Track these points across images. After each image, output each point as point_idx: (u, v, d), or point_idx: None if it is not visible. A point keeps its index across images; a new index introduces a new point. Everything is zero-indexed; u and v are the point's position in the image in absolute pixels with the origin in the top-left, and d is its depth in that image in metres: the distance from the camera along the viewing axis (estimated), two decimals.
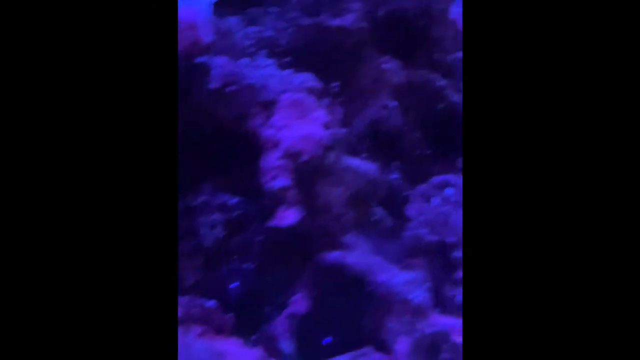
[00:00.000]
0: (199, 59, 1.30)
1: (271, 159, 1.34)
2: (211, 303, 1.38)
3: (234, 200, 1.42)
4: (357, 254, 1.37)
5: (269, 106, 1.35)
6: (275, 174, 1.34)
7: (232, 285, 1.42)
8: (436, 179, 1.45)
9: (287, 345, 1.36)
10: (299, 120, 1.34)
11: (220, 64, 1.33)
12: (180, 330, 1.25)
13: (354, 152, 1.46)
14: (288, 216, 1.34)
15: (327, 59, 1.46)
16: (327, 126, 1.35)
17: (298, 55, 1.45)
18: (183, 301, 1.36)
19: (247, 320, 1.41)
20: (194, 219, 1.42)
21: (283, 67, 1.43)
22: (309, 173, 1.35)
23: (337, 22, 1.45)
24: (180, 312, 1.31)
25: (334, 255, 1.37)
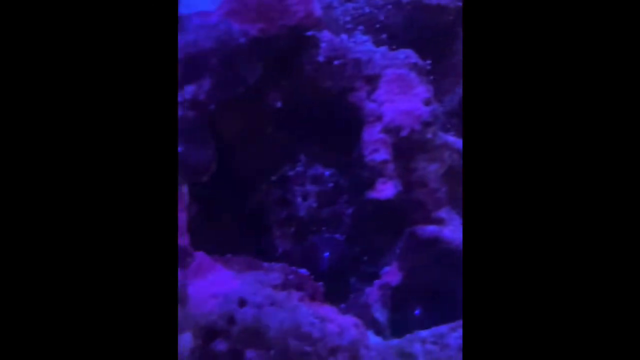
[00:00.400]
0: (310, 32, 1.32)
1: (372, 133, 1.37)
2: (303, 271, 1.41)
3: (329, 171, 1.45)
4: (451, 229, 1.39)
5: (372, 80, 1.37)
6: (376, 147, 1.37)
7: (325, 255, 1.45)
8: None
9: (380, 315, 1.39)
10: (400, 95, 1.37)
11: (327, 38, 1.35)
12: (283, 294, 1.28)
13: (443, 128, 1.49)
14: (386, 189, 1.37)
15: (422, 36, 1.49)
16: (427, 102, 1.38)
17: (395, 32, 1.47)
18: (277, 267, 1.39)
19: (337, 289, 1.45)
20: (289, 189, 1.45)
21: (379, 44, 1.45)
22: (408, 148, 1.38)
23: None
24: (279, 278, 1.34)
25: (429, 229, 1.40)
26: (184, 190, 1.27)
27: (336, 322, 1.27)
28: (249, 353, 1.21)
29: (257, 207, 1.46)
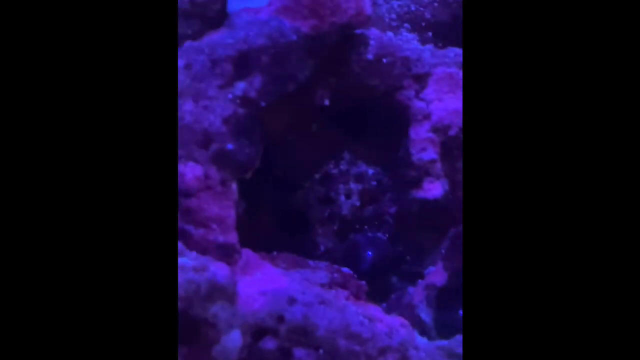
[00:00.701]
0: (359, 30, 1.32)
1: (420, 131, 1.36)
2: (346, 269, 1.40)
3: (372, 170, 1.44)
4: None
5: (421, 79, 1.37)
6: (424, 146, 1.36)
7: (368, 253, 1.44)
8: None
9: (425, 315, 1.38)
10: (449, 94, 1.36)
11: (375, 36, 1.34)
12: (331, 293, 1.28)
13: None
14: (434, 188, 1.36)
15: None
16: None
17: (441, 30, 1.46)
18: (323, 265, 1.39)
19: (380, 289, 1.44)
20: (332, 187, 1.44)
21: (425, 42, 1.44)
22: (456, 147, 1.37)
23: None
24: (326, 276, 1.34)
25: None
26: (232, 187, 1.26)
27: (385, 322, 1.26)
28: (298, 352, 1.20)
29: (300, 204, 1.45)
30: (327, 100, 1.35)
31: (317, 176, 1.45)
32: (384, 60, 1.35)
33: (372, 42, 1.34)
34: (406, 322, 1.31)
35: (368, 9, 1.29)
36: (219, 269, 1.17)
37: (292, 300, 1.23)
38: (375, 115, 1.41)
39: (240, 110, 1.25)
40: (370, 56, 1.33)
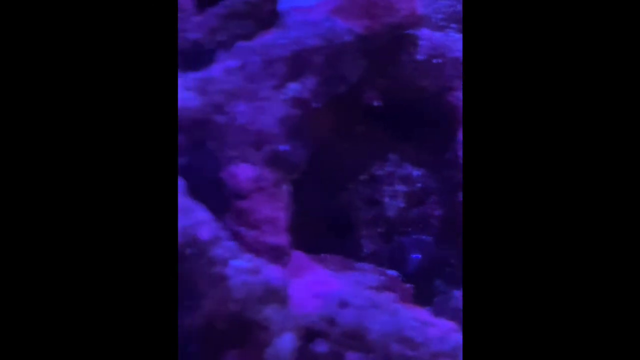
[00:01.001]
0: (409, 31, 1.31)
1: None
2: (391, 272, 1.39)
3: (418, 171, 1.43)
4: None
5: None
6: None
7: (414, 256, 1.43)
8: None
9: None
10: None
11: (426, 36, 1.33)
12: (383, 296, 1.27)
13: None
14: None
15: None
16: None
17: None
18: (365, 267, 1.38)
19: (424, 292, 1.43)
20: (377, 188, 1.43)
21: None
22: None
23: None
24: (376, 279, 1.33)
25: None
26: (284, 188, 1.25)
27: (437, 326, 1.25)
28: (350, 356, 1.19)
29: (345, 206, 1.44)
30: (377, 101, 1.33)
31: (362, 178, 1.44)
32: (434, 60, 1.34)
33: (422, 42, 1.32)
34: (457, 326, 1.30)
35: (420, 9, 1.28)
36: (272, 272, 1.16)
37: (343, 304, 1.22)
38: (423, 116, 1.40)
39: (293, 111, 1.24)
40: (420, 57, 1.32)
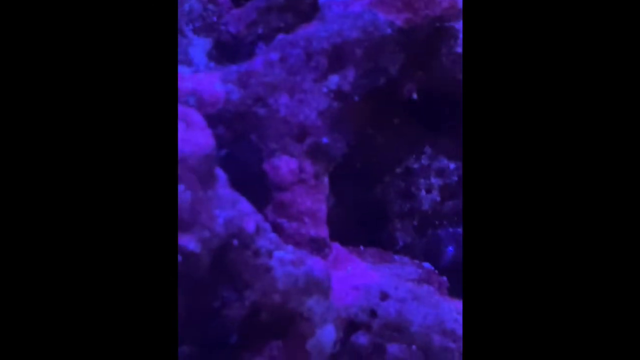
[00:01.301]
0: (449, 23, 1.31)
1: None
2: (427, 264, 1.40)
3: (454, 164, 1.43)
4: None
5: None
6: None
7: (449, 249, 1.43)
8: None
9: None
10: None
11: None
12: (424, 289, 1.27)
13: None
14: None
15: None
16: None
17: None
18: (404, 260, 1.38)
19: (459, 285, 1.43)
20: (413, 181, 1.43)
21: None
22: None
23: None
24: (414, 272, 1.33)
25: None
26: (325, 180, 1.25)
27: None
28: (391, 347, 1.20)
29: (380, 198, 1.44)
30: (415, 94, 1.34)
31: (398, 170, 1.44)
32: None
33: (462, 35, 1.32)
34: None
35: (460, 2, 1.28)
36: (315, 263, 1.16)
37: (384, 296, 1.22)
38: (460, 110, 1.40)
39: (335, 104, 1.24)
40: (460, 49, 1.32)
